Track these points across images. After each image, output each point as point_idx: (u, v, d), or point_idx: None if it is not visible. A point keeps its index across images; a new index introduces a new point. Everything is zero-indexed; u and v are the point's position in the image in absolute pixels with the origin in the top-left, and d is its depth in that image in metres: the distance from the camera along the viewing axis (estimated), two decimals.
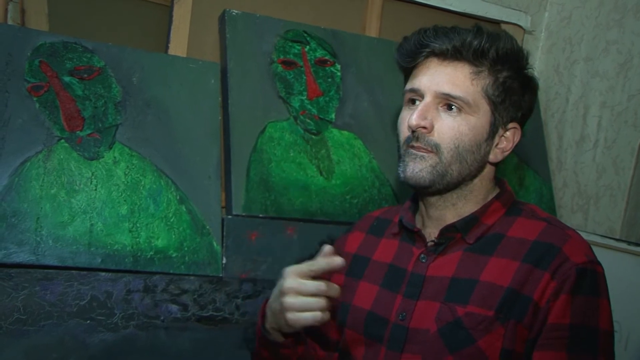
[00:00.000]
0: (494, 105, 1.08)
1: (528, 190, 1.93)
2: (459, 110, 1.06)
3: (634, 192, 1.82)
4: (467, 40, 1.05)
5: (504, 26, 2.08)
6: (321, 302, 0.99)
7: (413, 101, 1.11)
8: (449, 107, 1.06)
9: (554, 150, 2.06)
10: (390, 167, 1.72)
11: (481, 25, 1.09)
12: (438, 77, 1.07)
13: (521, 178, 1.93)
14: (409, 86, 1.12)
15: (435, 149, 1.06)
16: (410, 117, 1.06)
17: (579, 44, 2.02)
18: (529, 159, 1.96)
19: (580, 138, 1.99)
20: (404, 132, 1.10)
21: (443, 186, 1.09)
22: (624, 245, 1.76)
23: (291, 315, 1.00)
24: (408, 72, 1.14)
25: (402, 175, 1.09)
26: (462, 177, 1.09)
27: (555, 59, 2.10)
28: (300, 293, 1.00)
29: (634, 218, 1.82)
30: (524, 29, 2.10)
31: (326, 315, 0.99)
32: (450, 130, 1.06)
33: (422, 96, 1.08)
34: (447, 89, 1.06)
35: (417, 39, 1.09)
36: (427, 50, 1.08)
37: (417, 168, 1.07)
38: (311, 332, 1.20)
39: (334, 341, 1.24)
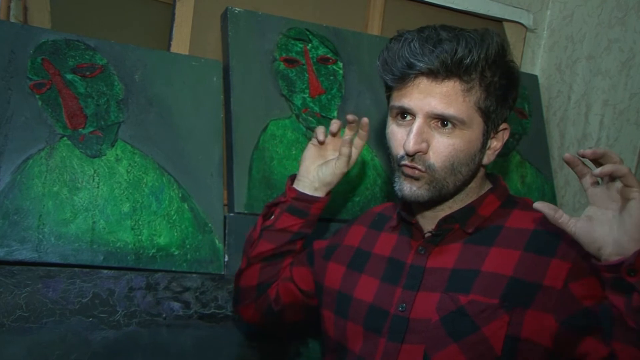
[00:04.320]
0: (487, 115, 1.07)
1: (530, 188, 1.93)
2: (454, 126, 1.05)
3: None
4: (456, 57, 1.02)
5: (506, 24, 2.07)
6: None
7: (403, 115, 1.09)
8: (443, 124, 1.05)
9: (556, 148, 2.06)
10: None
11: (464, 32, 1.05)
12: (429, 98, 1.04)
13: (523, 176, 1.93)
14: (397, 103, 1.08)
15: (429, 169, 1.06)
16: (407, 143, 1.04)
17: (581, 42, 2.02)
18: (531, 157, 1.96)
19: (582, 136, 1.98)
20: (397, 149, 1.09)
21: (441, 198, 1.11)
22: None
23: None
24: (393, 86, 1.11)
25: (399, 193, 1.10)
26: (457, 186, 1.10)
27: (558, 57, 2.09)
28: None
29: None
30: (526, 27, 2.10)
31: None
32: (446, 148, 1.05)
33: (413, 115, 1.06)
34: (439, 109, 1.04)
35: (404, 59, 1.04)
36: (416, 71, 1.04)
37: (415, 187, 1.08)
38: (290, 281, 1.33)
39: (302, 289, 1.32)
